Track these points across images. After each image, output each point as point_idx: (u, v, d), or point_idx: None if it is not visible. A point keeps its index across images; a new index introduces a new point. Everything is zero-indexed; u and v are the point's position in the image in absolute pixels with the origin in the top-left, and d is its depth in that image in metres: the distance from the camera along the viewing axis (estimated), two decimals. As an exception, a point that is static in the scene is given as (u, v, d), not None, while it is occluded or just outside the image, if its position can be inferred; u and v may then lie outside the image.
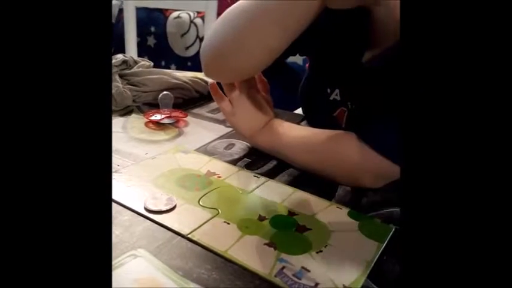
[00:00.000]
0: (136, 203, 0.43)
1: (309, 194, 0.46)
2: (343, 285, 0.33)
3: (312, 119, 0.68)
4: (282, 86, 0.62)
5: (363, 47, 0.54)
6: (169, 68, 1.57)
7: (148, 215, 0.41)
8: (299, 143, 0.53)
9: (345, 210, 0.44)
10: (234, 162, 0.54)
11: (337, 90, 0.59)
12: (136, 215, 0.41)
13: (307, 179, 0.50)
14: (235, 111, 0.57)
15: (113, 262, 0.34)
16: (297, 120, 0.69)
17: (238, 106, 0.56)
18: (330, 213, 0.43)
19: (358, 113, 0.57)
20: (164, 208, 0.42)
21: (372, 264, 0.35)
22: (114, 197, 0.44)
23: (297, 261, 0.35)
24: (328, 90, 0.60)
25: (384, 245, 0.38)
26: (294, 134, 0.55)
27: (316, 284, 0.33)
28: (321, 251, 0.37)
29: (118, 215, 0.41)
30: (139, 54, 1.31)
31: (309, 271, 0.34)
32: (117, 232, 0.39)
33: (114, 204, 0.43)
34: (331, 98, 0.60)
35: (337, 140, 0.50)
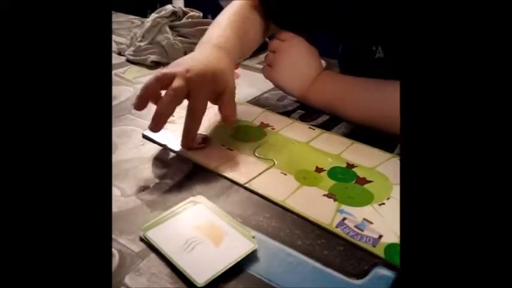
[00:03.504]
0: (192, 152, 0.43)
1: (368, 146, 0.44)
2: (408, 238, 0.31)
3: None
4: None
5: None
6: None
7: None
8: (356, 98, 0.49)
9: (408, 164, 0.41)
10: (287, 114, 0.53)
11: (378, 47, 0.53)
12: (193, 163, 0.42)
13: (365, 131, 0.48)
14: (276, 67, 0.52)
15: (174, 208, 0.34)
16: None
17: (281, 60, 0.52)
18: (391, 165, 0.40)
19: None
20: (198, 146, 0.44)
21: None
22: (171, 146, 0.44)
23: (359, 213, 0.34)
24: (374, 48, 0.53)
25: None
26: (350, 87, 0.50)
27: (380, 236, 0.31)
28: (383, 204, 0.35)
29: (175, 164, 0.42)
30: (187, 6, 1.28)
31: (371, 223, 0.33)
32: (176, 180, 0.39)
33: (171, 153, 0.43)
34: (376, 57, 0.54)
35: (395, 90, 0.46)
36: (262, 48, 0.76)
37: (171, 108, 0.41)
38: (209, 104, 0.54)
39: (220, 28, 0.53)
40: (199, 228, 0.32)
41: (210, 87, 0.42)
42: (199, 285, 0.27)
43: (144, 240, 0.32)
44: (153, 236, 0.31)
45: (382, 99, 0.48)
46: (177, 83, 0.40)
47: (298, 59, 0.52)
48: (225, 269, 0.28)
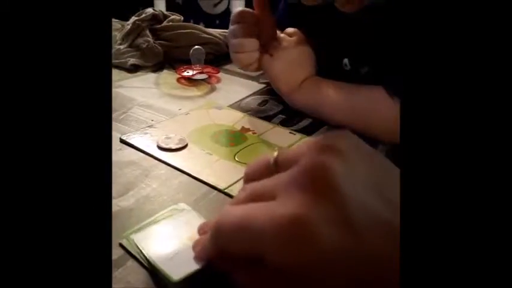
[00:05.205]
0: (171, 157, 0.42)
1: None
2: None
3: None
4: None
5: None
6: (197, 27, 1.53)
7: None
8: (338, 102, 0.50)
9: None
10: (268, 118, 0.53)
11: (345, 60, 0.55)
12: (172, 169, 0.41)
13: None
14: (276, 63, 0.54)
15: (155, 216, 0.34)
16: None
17: (283, 55, 0.53)
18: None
19: (377, 73, 0.51)
20: (174, 147, 0.43)
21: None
22: (149, 151, 0.43)
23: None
24: (344, 62, 0.55)
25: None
26: (332, 92, 0.52)
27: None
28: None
29: (154, 169, 0.41)
30: (168, 10, 1.27)
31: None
32: (154, 186, 0.38)
33: (149, 158, 0.43)
34: (347, 69, 0.55)
35: (371, 96, 0.48)
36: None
37: None
38: (188, 108, 0.54)
39: None
40: (183, 236, 0.31)
41: None
42: (173, 281, 0.27)
43: (122, 247, 0.31)
44: (137, 240, 0.31)
45: (358, 104, 0.49)
46: None
47: (298, 56, 0.54)
48: (202, 267, 0.27)
